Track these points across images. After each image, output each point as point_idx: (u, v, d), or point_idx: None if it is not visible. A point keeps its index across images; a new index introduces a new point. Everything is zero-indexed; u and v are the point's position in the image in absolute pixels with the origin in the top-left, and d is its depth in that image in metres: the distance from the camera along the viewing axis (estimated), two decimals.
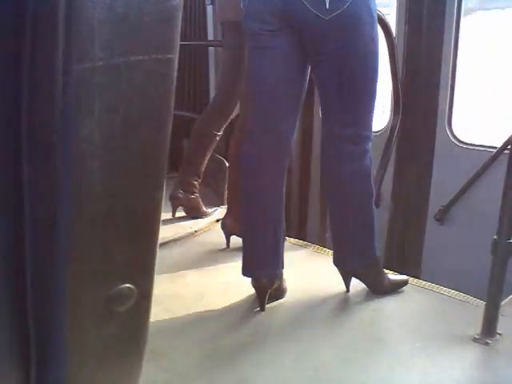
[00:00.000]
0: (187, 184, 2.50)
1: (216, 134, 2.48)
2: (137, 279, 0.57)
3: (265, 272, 1.73)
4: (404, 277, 1.93)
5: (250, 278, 1.75)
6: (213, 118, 2.47)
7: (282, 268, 1.78)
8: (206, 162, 2.51)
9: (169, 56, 0.52)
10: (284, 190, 1.76)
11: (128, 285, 0.56)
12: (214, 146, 2.51)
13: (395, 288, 1.88)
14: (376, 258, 1.84)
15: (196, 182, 2.52)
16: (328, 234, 2.38)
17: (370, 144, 1.73)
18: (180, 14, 0.53)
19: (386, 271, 1.90)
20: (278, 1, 1.55)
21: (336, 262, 1.84)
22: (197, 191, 2.53)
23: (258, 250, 1.75)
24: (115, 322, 0.57)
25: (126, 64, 0.49)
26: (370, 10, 1.57)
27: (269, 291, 1.75)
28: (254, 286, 1.75)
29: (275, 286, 1.76)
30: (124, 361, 0.65)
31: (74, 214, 0.53)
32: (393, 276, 1.92)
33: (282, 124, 1.70)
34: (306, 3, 1.51)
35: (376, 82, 1.67)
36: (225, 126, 2.48)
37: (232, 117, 2.43)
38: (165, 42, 0.52)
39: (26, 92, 0.50)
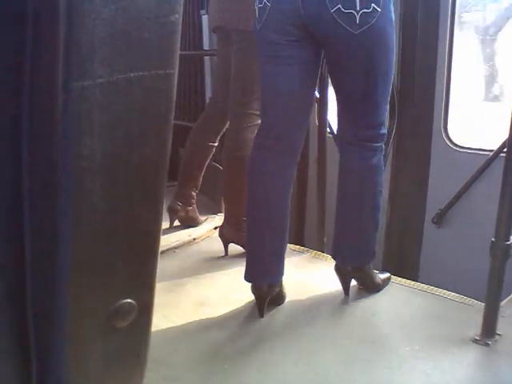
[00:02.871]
0: (186, 197, 2.47)
1: (212, 146, 2.43)
2: (138, 294, 0.56)
3: (266, 279, 1.74)
4: (387, 274, 2.00)
5: (249, 285, 1.75)
6: (207, 128, 2.42)
7: (282, 275, 1.78)
8: (203, 172, 2.48)
9: (168, 71, 0.52)
10: (290, 199, 1.77)
11: (129, 300, 0.56)
12: (210, 156, 2.46)
13: (385, 286, 1.94)
14: (374, 257, 1.88)
15: (194, 194, 2.50)
16: (326, 240, 2.39)
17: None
18: (179, 29, 0.53)
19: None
20: (302, 12, 1.54)
21: (336, 255, 1.86)
22: (194, 201, 2.52)
23: (261, 257, 1.75)
24: (116, 336, 0.57)
25: (126, 81, 0.49)
26: (391, 22, 1.60)
27: (268, 298, 1.75)
28: (254, 292, 1.75)
29: (275, 293, 1.76)
30: (125, 374, 0.65)
31: (74, 230, 0.53)
32: (379, 274, 1.96)
33: (295, 133, 1.72)
34: (336, 17, 1.50)
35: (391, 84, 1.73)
36: (220, 136, 2.43)
37: (227, 126, 2.41)
38: (165, 57, 0.52)
39: (27, 110, 0.50)
